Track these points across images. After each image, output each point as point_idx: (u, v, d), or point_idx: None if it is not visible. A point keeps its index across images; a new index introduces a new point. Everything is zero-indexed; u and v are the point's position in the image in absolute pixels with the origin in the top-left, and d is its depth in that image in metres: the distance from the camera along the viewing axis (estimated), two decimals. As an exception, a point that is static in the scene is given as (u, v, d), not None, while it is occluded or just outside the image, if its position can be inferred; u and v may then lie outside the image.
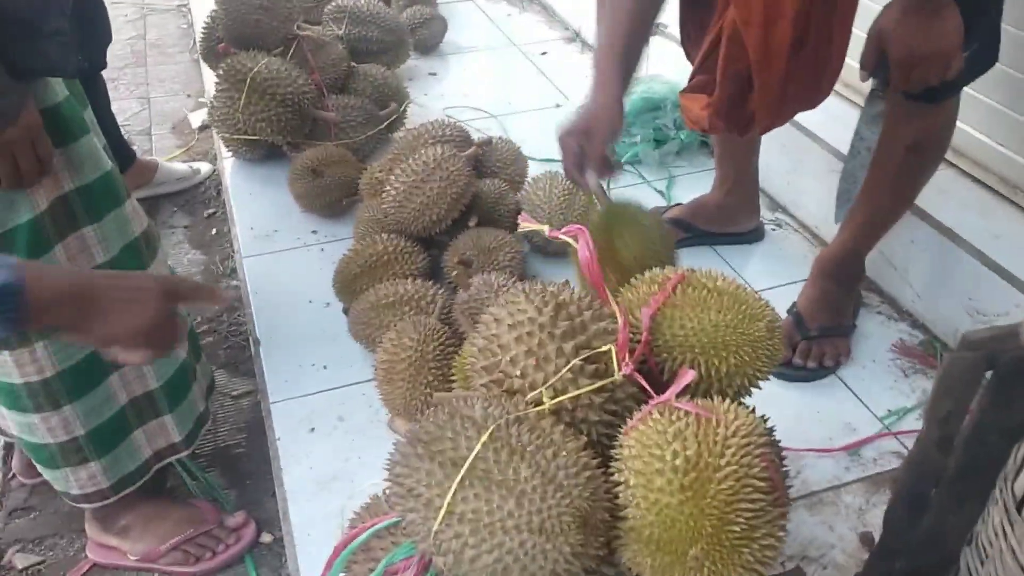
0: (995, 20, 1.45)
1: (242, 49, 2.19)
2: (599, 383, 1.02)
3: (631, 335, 1.06)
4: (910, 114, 1.50)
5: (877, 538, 1.37)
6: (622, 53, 1.48)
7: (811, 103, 1.56)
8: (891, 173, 1.58)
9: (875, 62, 1.36)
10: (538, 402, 1.01)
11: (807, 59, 1.43)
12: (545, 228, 1.13)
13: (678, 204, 2.14)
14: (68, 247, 1.21)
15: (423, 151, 1.87)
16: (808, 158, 2.07)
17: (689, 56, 1.75)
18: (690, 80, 1.63)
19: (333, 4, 2.55)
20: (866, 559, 1.25)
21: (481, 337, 1.08)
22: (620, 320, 1.06)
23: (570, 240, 1.09)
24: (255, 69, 2.09)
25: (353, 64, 2.41)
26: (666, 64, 2.59)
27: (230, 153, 2.39)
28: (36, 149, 1.12)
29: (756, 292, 1.15)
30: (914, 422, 1.58)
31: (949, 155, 1.95)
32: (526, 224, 1.16)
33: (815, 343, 1.72)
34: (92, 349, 1.24)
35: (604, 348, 1.03)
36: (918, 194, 1.66)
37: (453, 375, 1.47)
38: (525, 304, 1.07)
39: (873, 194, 1.61)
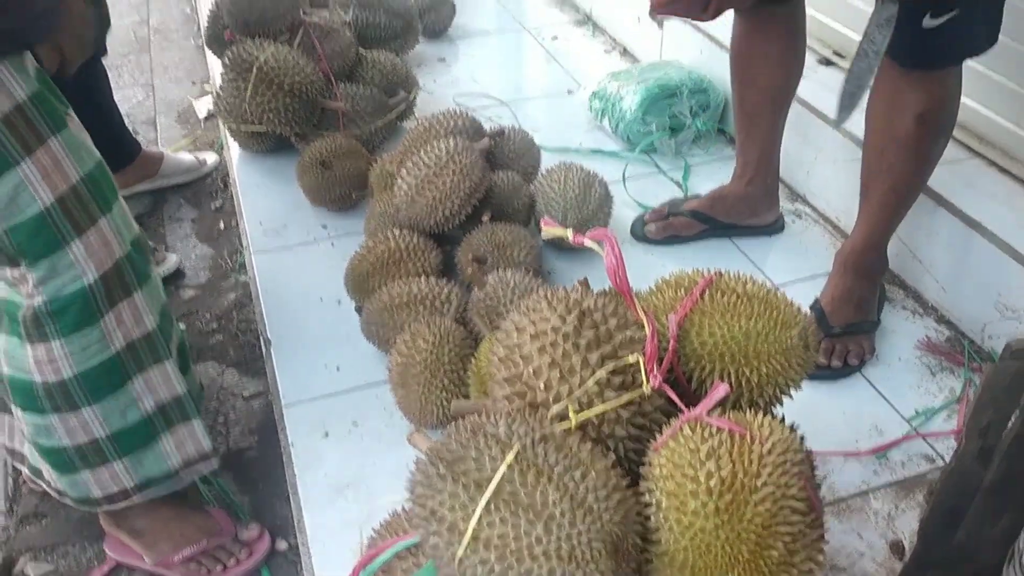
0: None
1: (248, 36, 2.14)
2: (627, 396, 0.98)
3: (657, 343, 1.02)
4: (912, 84, 1.47)
5: (908, 546, 1.34)
6: None
7: None
8: (902, 144, 1.53)
9: None
10: (563, 416, 0.97)
11: None
12: (568, 233, 1.08)
13: (696, 196, 2.10)
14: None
15: (435, 144, 1.82)
16: (828, 147, 2.02)
17: None
18: None
19: (341, -13, 2.49)
20: (899, 570, 1.21)
21: (502, 346, 1.04)
22: (648, 328, 1.02)
23: (595, 246, 1.04)
24: (262, 58, 2.04)
25: (361, 51, 2.36)
26: (681, 50, 2.53)
27: (237, 144, 2.34)
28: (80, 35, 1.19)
29: (786, 296, 1.10)
30: (942, 423, 1.54)
31: (975, 144, 1.90)
32: (549, 229, 1.12)
33: (839, 340, 1.67)
34: (114, 352, 1.22)
35: (632, 359, 1.00)
36: (930, 173, 1.61)
37: (469, 378, 1.44)
38: (548, 312, 1.03)
39: (884, 172, 1.58)
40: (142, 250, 1.29)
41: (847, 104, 1.48)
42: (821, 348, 1.67)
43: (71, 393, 1.22)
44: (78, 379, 1.21)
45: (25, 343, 1.21)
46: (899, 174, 1.58)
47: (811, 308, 1.72)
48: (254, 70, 2.03)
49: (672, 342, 1.05)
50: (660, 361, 1.03)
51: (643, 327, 1.04)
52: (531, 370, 1.00)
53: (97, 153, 1.23)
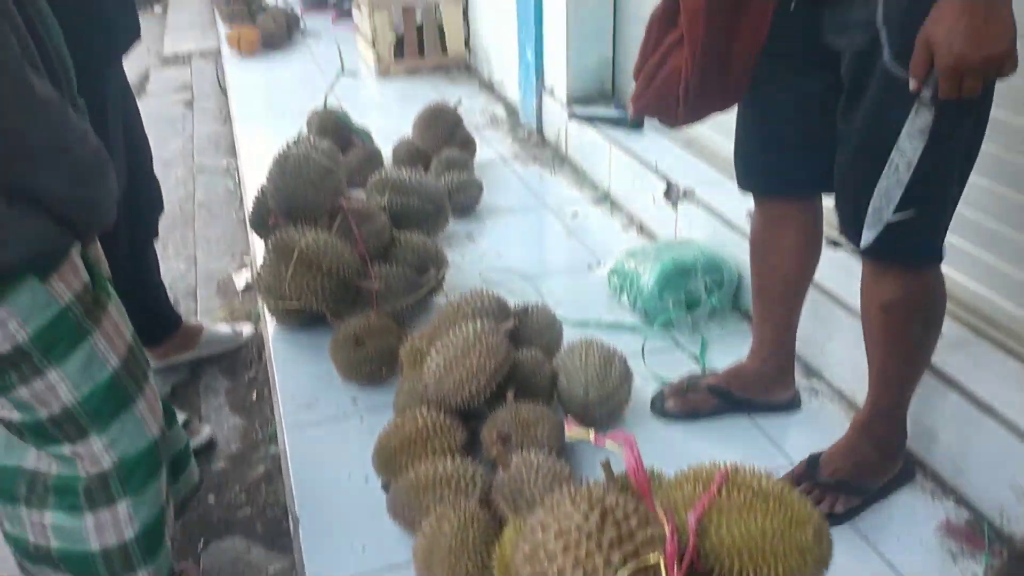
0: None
1: (291, 222, 2.30)
2: (648, 597, 1.01)
3: (677, 541, 1.06)
4: (875, 273, 1.55)
5: None
6: None
7: (723, 101, 1.62)
8: (875, 330, 1.61)
9: (925, 70, 1.29)
10: (587, 615, 1.01)
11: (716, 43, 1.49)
12: (590, 434, 1.15)
13: (714, 372, 2.17)
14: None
15: (463, 325, 1.93)
16: (841, 326, 2.10)
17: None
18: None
19: (377, 175, 2.69)
20: None
21: (528, 544, 1.09)
22: (667, 528, 1.07)
23: (615, 448, 1.11)
24: (303, 242, 2.19)
25: (395, 232, 2.52)
26: (695, 229, 2.68)
27: (273, 319, 2.47)
28: None
29: (800, 493, 1.15)
30: (968, 612, 1.53)
31: (982, 325, 1.97)
32: (572, 433, 1.19)
33: (823, 488, 1.70)
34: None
35: (653, 559, 1.04)
36: (920, 356, 1.67)
37: (493, 565, 1.46)
38: (571, 508, 1.08)
39: (872, 351, 1.65)
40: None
41: (873, 222, 1.45)
42: (801, 490, 1.66)
43: (131, 555, 1.26)
44: (138, 539, 1.26)
45: (83, 513, 1.26)
46: (885, 356, 1.65)
47: (809, 456, 1.76)
48: (295, 254, 2.17)
49: (692, 539, 1.10)
50: (681, 558, 1.07)
51: (664, 524, 1.08)
52: (555, 569, 1.04)
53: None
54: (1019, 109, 1.78)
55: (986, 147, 1.49)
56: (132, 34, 1.98)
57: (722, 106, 1.64)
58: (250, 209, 2.62)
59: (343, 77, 3.21)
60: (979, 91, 1.28)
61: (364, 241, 2.37)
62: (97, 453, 1.24)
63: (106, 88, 1.88)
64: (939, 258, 1.55)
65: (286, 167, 2.28)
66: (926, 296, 1.59)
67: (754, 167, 1.79)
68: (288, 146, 2.40)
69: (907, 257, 1.54)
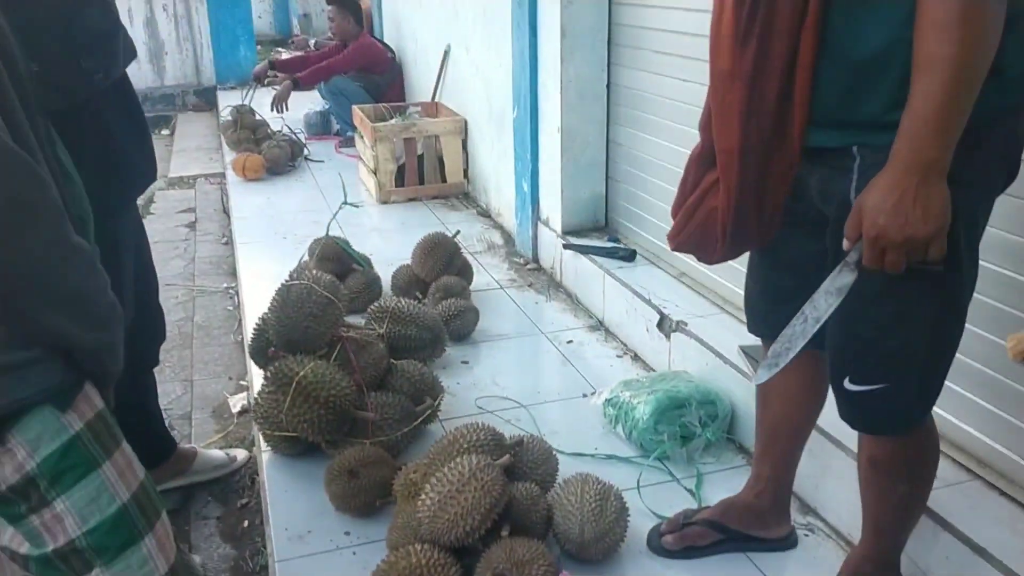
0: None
1: (290, 352, 2.34)
2: None
3: None
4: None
5: None
6: None
7: (759, 238, 1.65)
8: (863, 482, 1.63)
9: (856, 235, 1.33)
10: None
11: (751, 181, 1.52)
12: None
13: (708, 506, 2.16)
14: None
15: (458, 459, 1.94)
16: (835, 463, 2.11)
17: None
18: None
19: (376, 304, 2.75)
20: None
21: None
22: None
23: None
24: (301, 373, 2.22)
25: (392, 361, 2.55)
26: (688, 360, 2.72)
27: (268, 447, 2.47)
28: None
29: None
30: None
31: (974, 466, 1.99)
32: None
33: None
34: None
35: None
36: (916, 510, 1.68)
37: None
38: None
39: (863, 500, 1.66)
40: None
41: (770, 364, 1.47)
42: None
43: None
44: None
45: None
46: (876, 506, 1.66)
47: None
48: (294, 384, 2.20)
49: None
50: None
51: None
52: None
53: None
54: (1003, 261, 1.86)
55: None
56: (149, 178, 2.06)
57: (758, 243, 1.69)
58: (250, 335, 2.66)
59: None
60: (900, 268, 1.30)
61: (361, 370, 2.40)
62: None
63: (120, 229, 1.95)
64: (920, 424, 1.57)
65: (288, 299, 2.33)
66: (915, 453, 1.61)
67: (759, 315, 1.84)
68: (291, 277, 2.46)
69: (882, 428, 1.57)
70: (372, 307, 2.75)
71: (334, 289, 2.42)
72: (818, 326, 1.41)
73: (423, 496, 1.90)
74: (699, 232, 1.69)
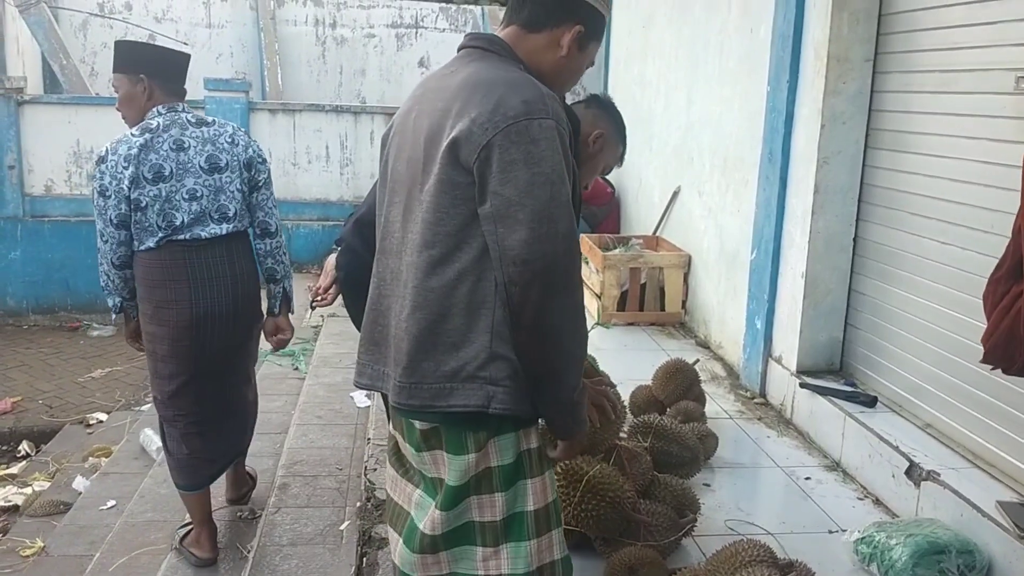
0: None
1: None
2: None
3: None
4: None
5: None
6: None
7: None
8: None
9: None
10: None
11: None
12: None
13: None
14: None
15: (742, 571, 2.13)
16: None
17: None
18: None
19: (641, 417, 3.02)
20: None
21: None
22: None
23: None
24: (591, 472, 2.50)
25: (655, 473, 2.79)
26: (939, 509, 2.79)
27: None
28: None
29: None
30: None
31: None
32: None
33: None
34: None
35: None
36: None
37: None
38: None
39: None
40: None
41: None
42: None
43: None
44: None
45: None
46: None
47: None
48: (584, 481, 2.48)
49: None
50: None
51: None
52: None
53: None
54: None
55: None
56: None
57: None
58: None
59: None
60: None
61: (632, 477, 2.65)
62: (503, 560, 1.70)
63: None
64: None
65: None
66: None
67: None
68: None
69: None
70: (637, 420, 3.02)
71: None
72: None
73: (712, 599, 2.10)
74: (1007, 336, 1.92)
